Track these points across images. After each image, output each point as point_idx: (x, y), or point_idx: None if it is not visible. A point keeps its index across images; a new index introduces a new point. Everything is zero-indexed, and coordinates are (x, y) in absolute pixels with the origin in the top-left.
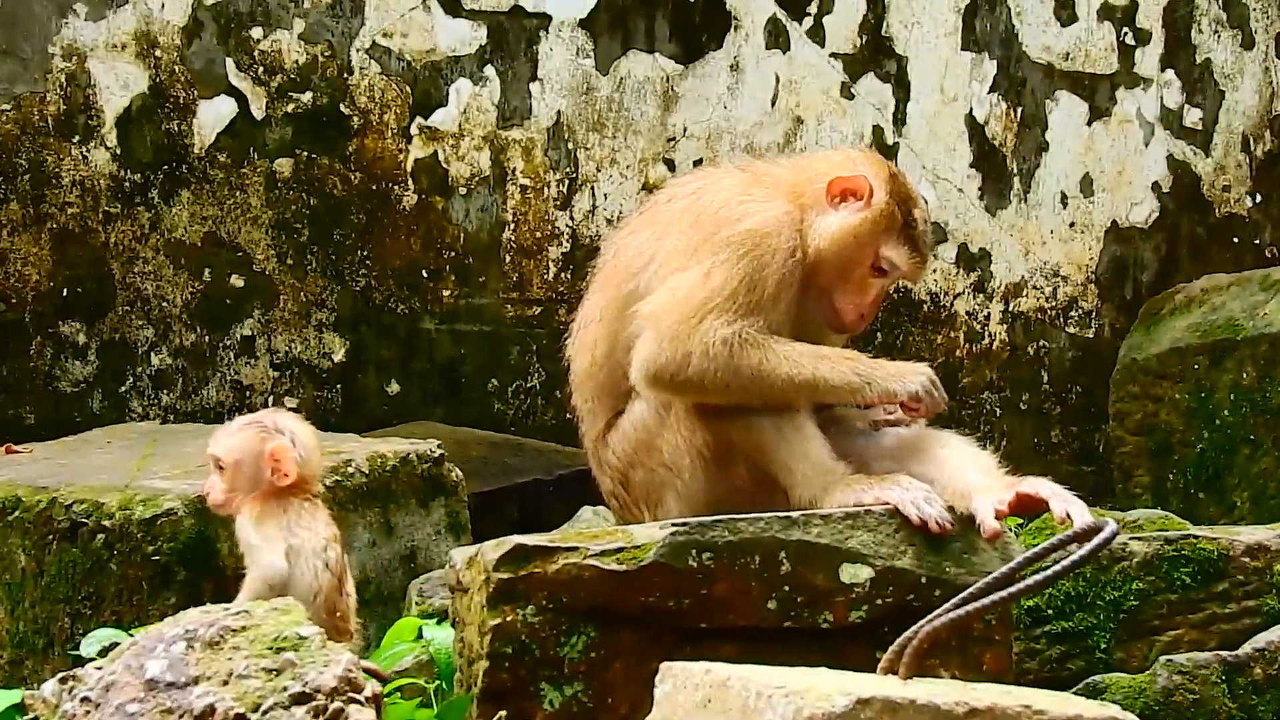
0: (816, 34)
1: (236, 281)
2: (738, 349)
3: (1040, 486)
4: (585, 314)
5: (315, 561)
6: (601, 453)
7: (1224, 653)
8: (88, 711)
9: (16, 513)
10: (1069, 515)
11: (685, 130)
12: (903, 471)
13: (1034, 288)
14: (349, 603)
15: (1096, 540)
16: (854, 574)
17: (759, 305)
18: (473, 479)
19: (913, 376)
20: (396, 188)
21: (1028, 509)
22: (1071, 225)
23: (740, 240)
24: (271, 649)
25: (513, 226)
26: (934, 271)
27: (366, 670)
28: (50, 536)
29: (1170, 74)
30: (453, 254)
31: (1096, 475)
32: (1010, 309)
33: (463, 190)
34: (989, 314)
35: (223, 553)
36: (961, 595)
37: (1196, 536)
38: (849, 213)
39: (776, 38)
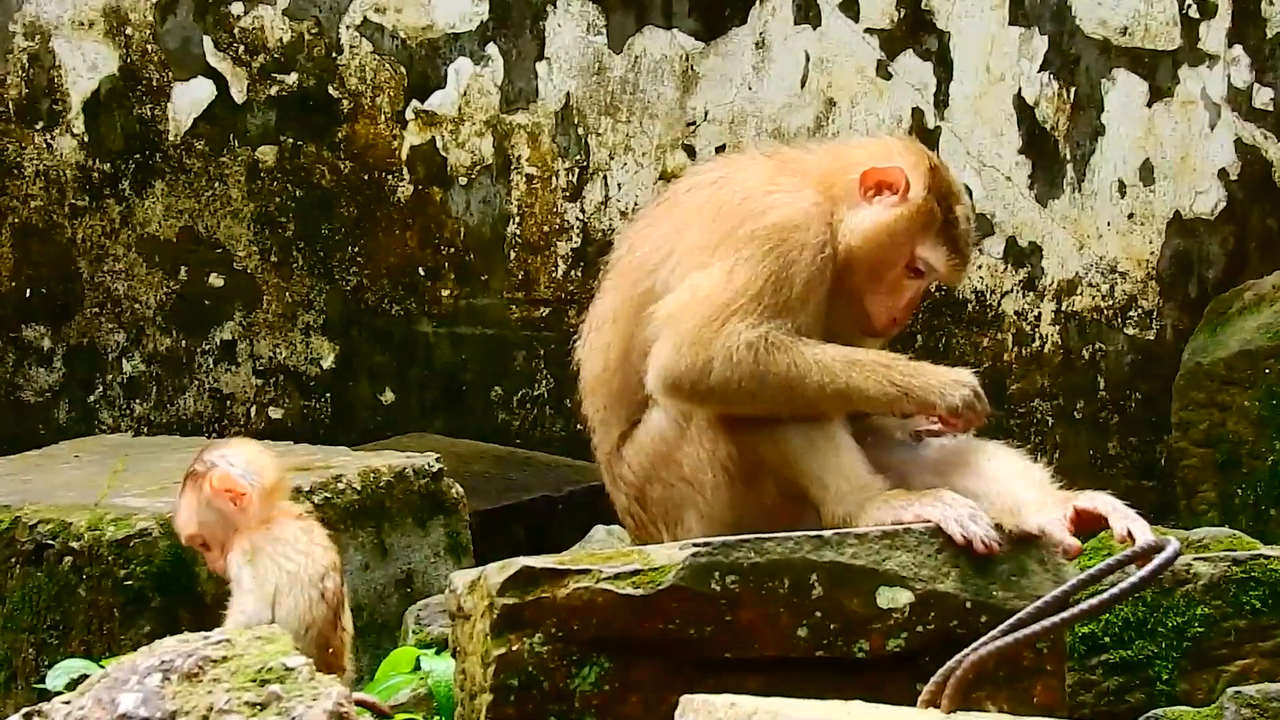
0: (850, 8)
1: (215, 281)
2: (764, 354)
3: (1098, 501)
4: (597, 315)
5: (310, 592)
6: (616, 467)
7: None
8: None
9: None
10: (1130, 533)
11: (706, 114)
12: (946, 486)
13: (1089, 285)
14: (345, 638)
15: (1157, 561)
16: (892, 598)
17: (786, 306)
18: (475, 496)
19: (954, 388)
20: (390, 178)
21: (1085, 526)
22: (1130, 216)
23: (766, 235)
24: (255, 681)
25: (518, 220)
26: (980, 268)
27: (367, 705)
28: (13, 560)
29: (1238, 50)
30: (452, 250)
31: (1158, 491)
32: (1063, 308)
33: (463, 180)
34: (1040, 314)
35: (201, 577)
36: (1010, 621)
37: (1267, 557)
38: (883, 208)
39: (806, 12)
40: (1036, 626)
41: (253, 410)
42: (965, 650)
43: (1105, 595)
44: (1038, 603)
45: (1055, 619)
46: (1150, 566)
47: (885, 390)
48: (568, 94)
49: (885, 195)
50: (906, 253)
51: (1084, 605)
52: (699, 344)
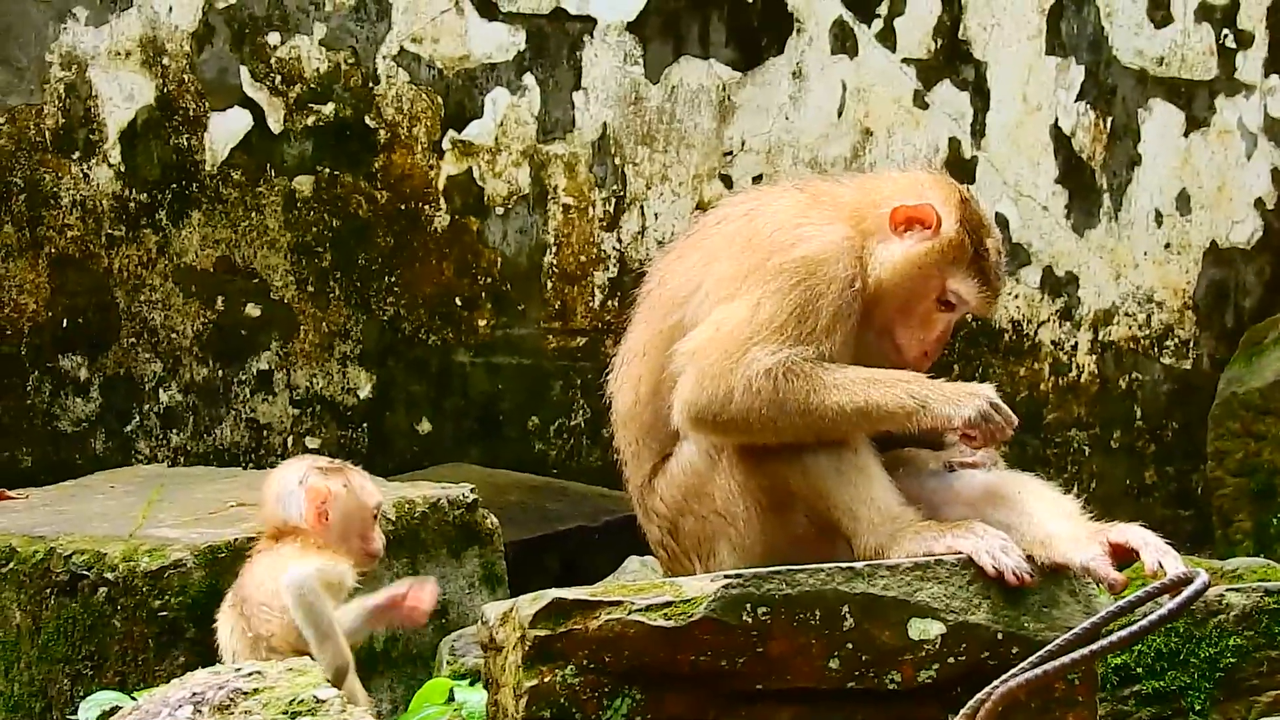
0: (887, 37)
1: (252, 310)
2: (782, 380)
3: (1130, 535)
4: (628, 347)
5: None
6: (648, 499)
7: None
8: None
9: (11, 564)
10: (1161, 566)
11: (743, 143)
12: (977, 517)
13: (1125, 315)
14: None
15: (1185, 594)
16: (924, 630)
17: (810, 336)
18: (510, 526)
19: (968, 399)
20: (427, 207)
21: (1118, 559)
22: (1167, 246)
23: (794, 268)
24: (286, 713)
25: (554, 249)
26: (1016, 297)
27: None
28: (48, 590)
29: (1275, 80)
30: (489, 280)
31: (1194, 520)
32: (1100, 338)
33: (500, 210)
34: (1076, 343)
35: None
36: (1041, 652)
37: None
38: (914, 241)
39: (843, 42)
40: (1068, 658)
41: (289, 440)
42: (996, 681)
43: (1136, 626)
44: (1069, 634)
45: (1086, 650)
46: (1179, 599)
47: (903, 403)
48: (605, 124)
49: (916, 230)
50: (937, 286)
51: (1115, 636)
52: (719, 376)
